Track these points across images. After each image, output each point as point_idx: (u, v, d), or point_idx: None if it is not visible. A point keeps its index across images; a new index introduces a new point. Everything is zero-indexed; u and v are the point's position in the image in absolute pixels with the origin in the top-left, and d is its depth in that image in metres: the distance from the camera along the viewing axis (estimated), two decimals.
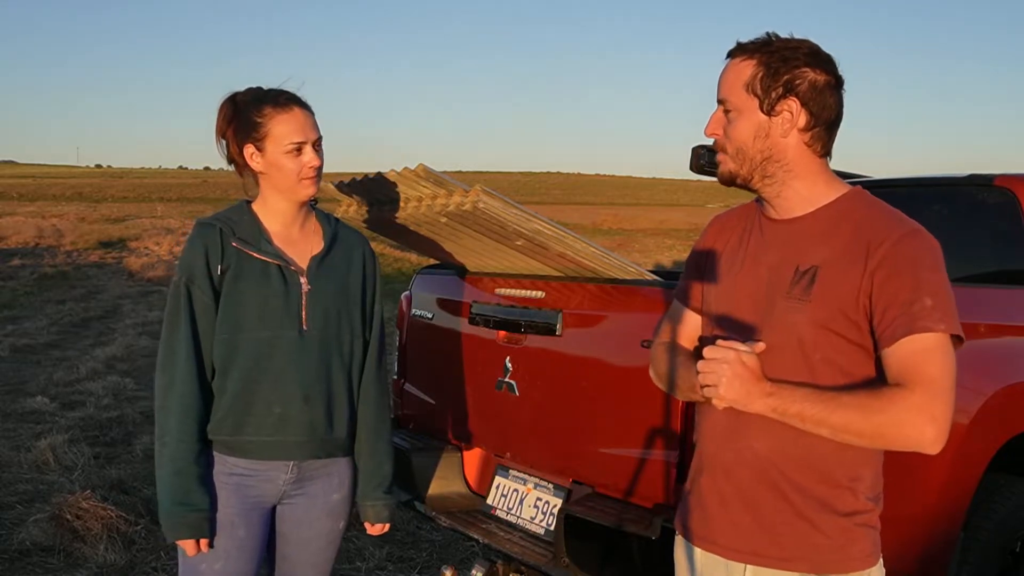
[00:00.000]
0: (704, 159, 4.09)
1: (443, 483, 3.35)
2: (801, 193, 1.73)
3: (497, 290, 3.14)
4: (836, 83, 1.70)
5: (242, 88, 2.27)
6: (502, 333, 3.05)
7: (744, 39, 1.72)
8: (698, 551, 1.82)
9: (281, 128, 2.20)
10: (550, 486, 2.96)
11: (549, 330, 2.85)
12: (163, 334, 2.24)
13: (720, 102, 1.75)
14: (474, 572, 3.19)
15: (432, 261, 3.64)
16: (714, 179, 4.83)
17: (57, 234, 26.52)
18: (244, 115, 2.22)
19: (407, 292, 3.74)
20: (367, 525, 2.48)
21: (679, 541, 1.90)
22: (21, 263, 20.21)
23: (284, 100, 2.23)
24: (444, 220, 2.73)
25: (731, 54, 1.74)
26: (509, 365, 3.00)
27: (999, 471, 2.72)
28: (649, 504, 2.52)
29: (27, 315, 12.70)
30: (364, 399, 2.41)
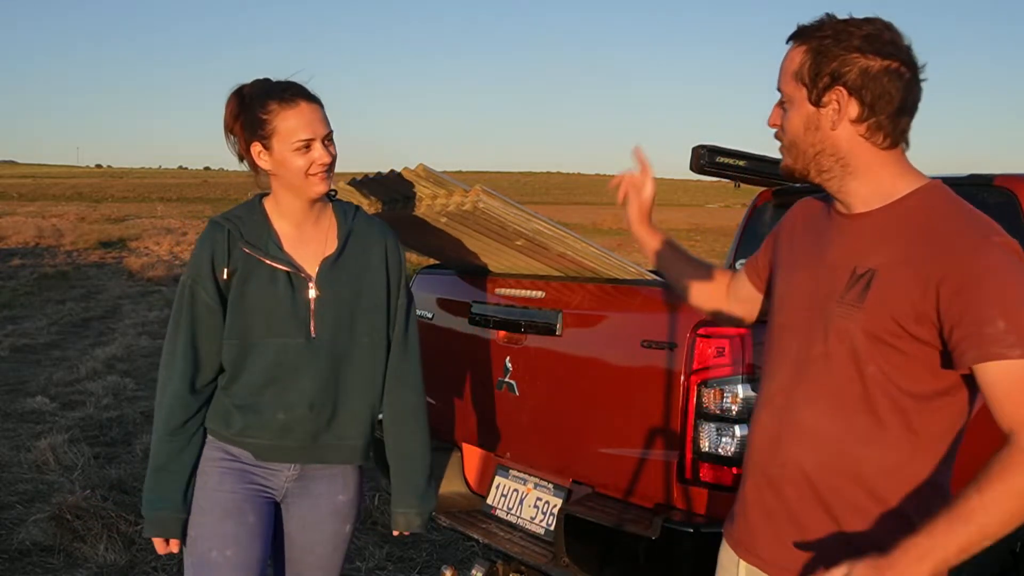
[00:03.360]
0: (704, 159, 4.09)
1: (443, 483, 3.35)
2: (864, 189, 1.59)
3: (497, 290, 3.14)
4: (900, 68, 1.53)
5: (249, 80, 2.20)
6: (502, 333, 3.05)
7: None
8: (743, 564, 1.72)
9: (288, 124, 2.11)
10: (550, 486, 2.96)
11: (549, 330, 2.85)
12: (168, 332, 2.23)
13: (778, 92, 1.64)
14: (474, 572, 3.19)
15: (432, 261, 3.64)
16: (714, 179, 4.85)
17: (57, 234, 26.52)
18: (250, 112, 2.14)
19: None
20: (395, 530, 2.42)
21: (725, 546, 1.82)
22: (21, 263, 20.20)
23: (289, 95, 2.12)
24: (444, 220, 2.73)
25: (788, 40, 1.62)
26: (509, 365, 3.00)
27: None
28: (649, 504, 2.52)
29: (27, 315, 12.70)
30: (391, 401, 2.32)
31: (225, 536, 2.17)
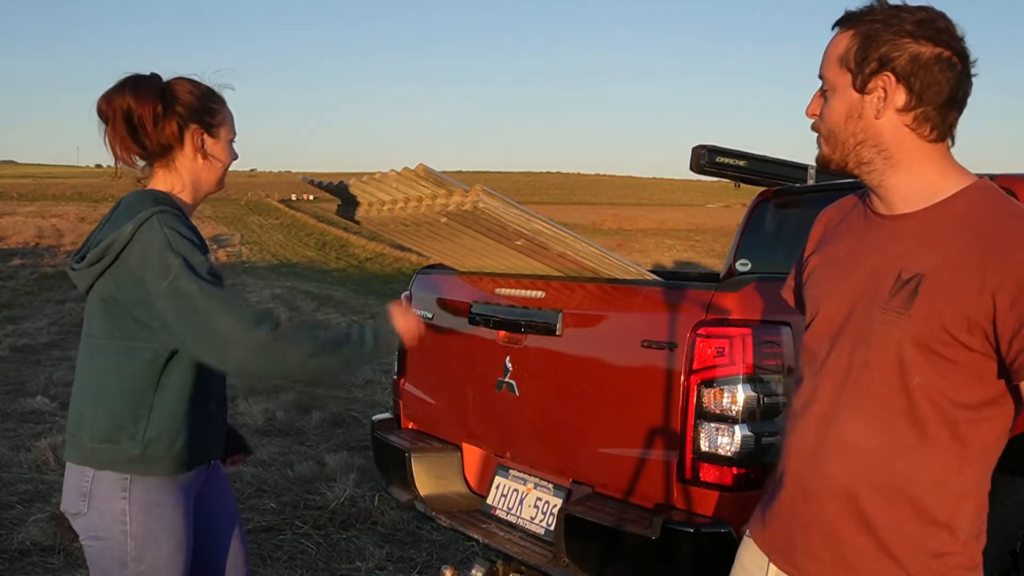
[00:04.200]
0: (704, 159, 4.09)
1: (443, 483, 3.35)
2: (906, 185, 1.51)
3: (497, 290, 3.14)
4: (952, 58, 1.46)
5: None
6: (502, 333, 3.05)
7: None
8: (773, 568, 1.66)
9: (229, 119, 2.21)
10: (550, 486, 2.96)
11: (549, 330, 2.85)
12: (213, 307, 1.97)
13: (820, 79, 1.57)
14: (474, 572, 3.19)
15: (432, 261, 3.64)
16: (714, 179, 4.85)
17: (57, 234, 26.53)
18: (198, 100, 2.13)
19: (407, 292, 3.74)
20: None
21: (749, 544, 1.74)
22: (21, 263, 20.21)
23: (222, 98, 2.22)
24: (444, 220, 2.73)
25: (835, 25, 1.54)
26: (509, 365, 3.00)
27: (999, 471, 2.72)
28: (649, 504, 2.52)
29: (27, 315, 12.71)
30: None
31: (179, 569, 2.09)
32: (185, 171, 2.14)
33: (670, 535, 2.36)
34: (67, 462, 2.10)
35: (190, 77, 2.15)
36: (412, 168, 2.60)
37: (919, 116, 1.47)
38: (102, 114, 2.09)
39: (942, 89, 1.46)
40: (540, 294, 2.94)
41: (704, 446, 2.37)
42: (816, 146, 1.60)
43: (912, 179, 1.51)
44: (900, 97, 1.47)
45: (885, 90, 1.47)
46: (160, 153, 2.11)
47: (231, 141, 2.21)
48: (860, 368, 1.50)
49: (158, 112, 2.07)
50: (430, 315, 3.52)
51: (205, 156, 2.15)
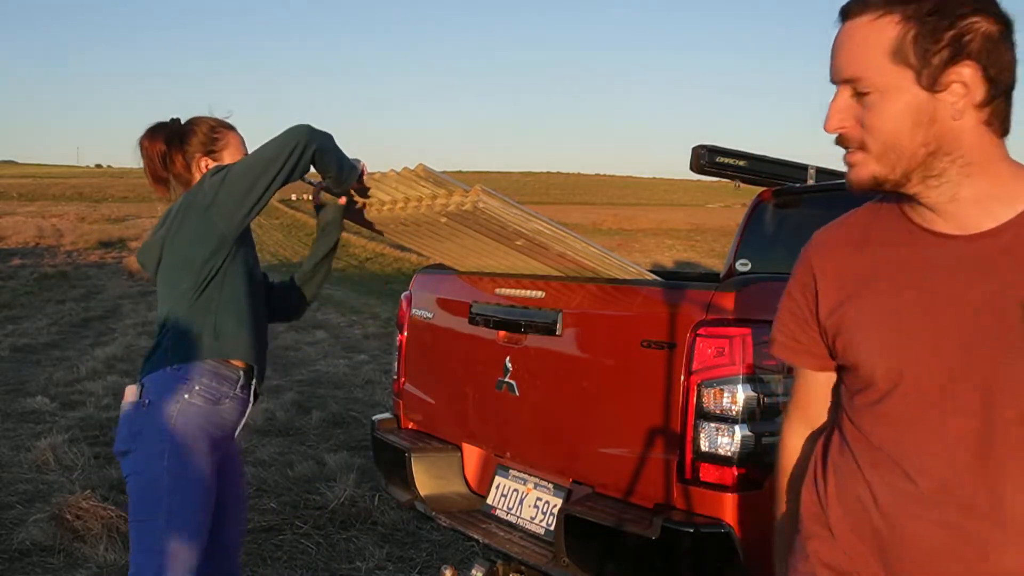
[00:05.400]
0: (704, 159, 4.09)
1: (443, 483, 3.35)
2: (987, 194, 1.23)
3: (497, 290, 3.14)
4: (1012, 33, 1.21)
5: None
6: (502, 333, 3.05)
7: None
8: None
9: (237, 141, 2.72)
10: (550, 486, 2.96)
11: (549, 330, 2.85)
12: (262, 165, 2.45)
13: (845, 82, 1.25)
14: (474, 572, 3.19)
15: (432, 261, 3.64)
16: (714, 179, 4.84)
17: (57, 234, 26.54)
18: (199, 133, 2.66)
19: (407, 292, 3.74)
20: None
21: None
22: (21, 263, 20.21)
23: (229, 124, 2.75)
24: (444, 220, 2.73)
25: (851, 11, 1.24)
26: (509, 365, 3.00)
27: None
28: (649, 504, 2.52)
29: (27, 315, 12.71)
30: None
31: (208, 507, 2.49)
32: None
33: (670, 535, 2.36)
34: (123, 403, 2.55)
35: (202, 116, 2.69)
36: (412, 168, 2.61)
37: (994, 109, 1.21)
38: (141, 152, 2.67)
39: (1012, 71, 1.21)
40: (540, 294, 2.94)
41: (704, 446, 2.37)
42: (846, 165, 1.29)
43: (991, 186, 1.23)
44: (981, 90, 1.19)
45: (966, 83, 1.19)
46: (179, 180, 2.67)
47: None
48: (1008, 427, 1.20)
49: (163, 152, 2.63)
50: (430, 315, 3.52)
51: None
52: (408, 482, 3.36)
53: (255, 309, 2.61)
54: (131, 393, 2.51)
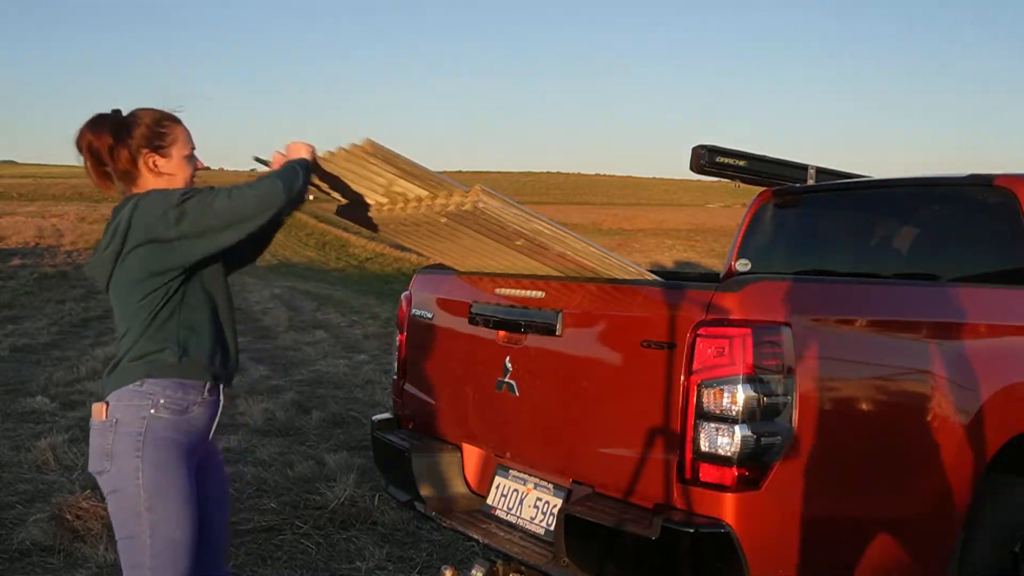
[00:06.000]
0: (704, 159, 4.09)
1: (443, 483, 3.35)
2: None
3: (497, 290, 3.14)
4: None
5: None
6: (502, 333, 3.05)
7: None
8: None
9: (184, 136, 2.57)
10: (550, 486, 2.96)
11: (549, 330, 2.85)
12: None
13: None
14: (474, 572, 3.19)
15: (432, 261, 3.64)
16: (714, 179, 4.85)
17: (57, 234, 26.54)
18: (144, 127, 2.51)
19: (407, 292, 3.74)
20: None
21: None
22: (21, 263, 20.21)
23: (176, 117, 2.59)
24: (444, 220, 2.73)
25: None
26: (509, 365, 3.00)
27: (999, 471, 2.72)
28: (649, 504, 2.52)
29: (27, 315, 12.70)
30: None
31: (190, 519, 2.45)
32: (148, 187, 2.50)
33: (670, 535, 2.36)
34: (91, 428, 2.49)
35: (146, 107, 2.55)
36: (359, 143, 2.51)
37: None
38: (77, 148, 2.51)
39: None
40: (540, 294, 2.94)
41: (704, 446, 2.37)
42: None
43: None
44: None
45: None
46: (124, 177, 2.52)
47: (187, 155, 2.56)
48: None
49: (110, 145, 2.47)
50: (430, 315, 3.53)
51: (159, 174, 2.51)
52: (408, 482, 3.36)
53: (218, 318, 2.55)
54: (98, 412, 2.46)
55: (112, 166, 2.49)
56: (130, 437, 2.39)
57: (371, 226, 3.11)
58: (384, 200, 2.86)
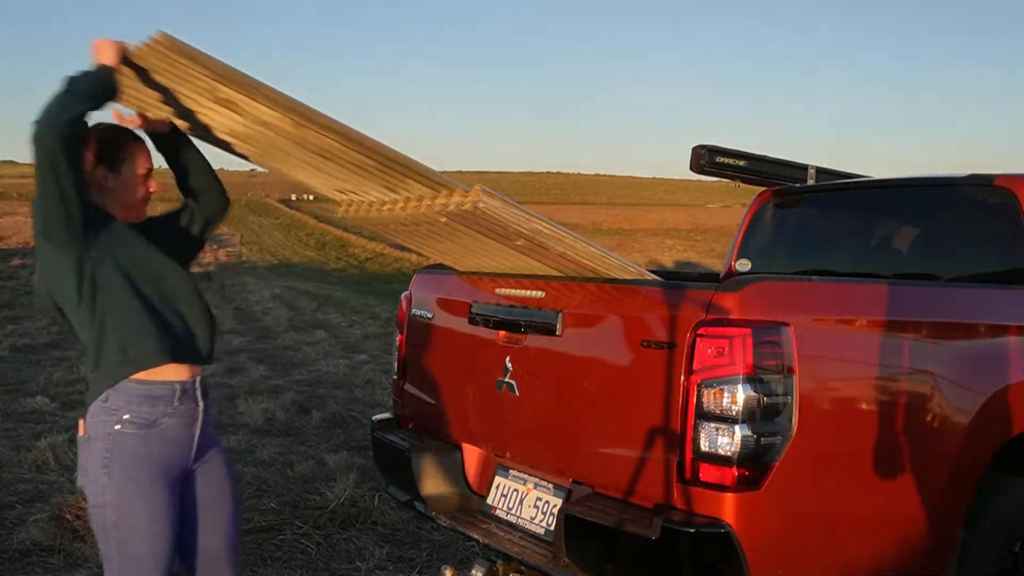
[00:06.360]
0: (704, 159, 4.09)
1: (443, 483, 3.35)
2: None
3: (497, 290, 3.14)
4: None
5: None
6: (502, 333, 3.05)
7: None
8: None
9: (138, 154, 2.52)
10: (550, 486, 2.96)
11: (549, 330, 2.85)
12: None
13: None
14: (474, 572, 3.19)
15: (432, 261, 3.64)
16: (714, 179, 4.86)
17: None
18: (102, 143, 2.46)
19: (407, 292, 3.74)
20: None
21: None
22: (21, 263, 20.21)
23: (135, 136, 2.53)
24: (444, 220, 2.73)
25: None
26: (509, 365, 3.00)
27: (999, 471, 2.72)
28: (649, 504, 2.52)
29: (27, 315, 12.71)
30: None
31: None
32: (101, 198, 2.46)
33: (670, 535, 2.36)
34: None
35: (108, 124, 2.50)
36: (152, 37, 2.21)
37: None
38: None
39: None
40: (540, 294, 2.94)
41: (704, 446, 2.37)
42: None
43: None
44: None
45: None
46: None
47: (141, 175, 2.51)
48: None
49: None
50: (430, 315, 3.53)
51: (106, 190, 2.47)
52: (408, 482, 3.36)
53: (152, 301, 2.42)
54: (80, 427, 2.46)
55: None
56: (98, 454, 2.38)
57: (230, 150, 2.83)
58: (386, 199, 2.86)
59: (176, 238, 2.63)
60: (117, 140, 2.50)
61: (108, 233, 2.40)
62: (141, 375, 2.38)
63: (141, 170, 2.52)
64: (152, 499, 2.38)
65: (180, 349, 2.44)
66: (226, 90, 2.29)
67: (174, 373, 2.43)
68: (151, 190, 2.55)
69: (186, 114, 2.54)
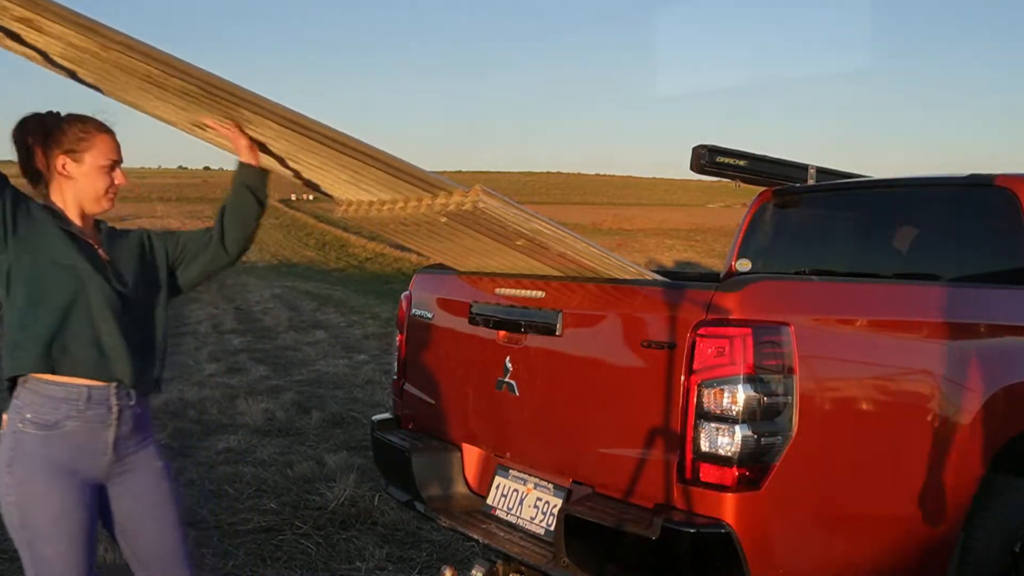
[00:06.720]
0: (704, 159, 4.09)
1: (443, 483, 3.35)
2: None
3: (497, 290, 3.14)
4: None
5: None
6: (502, 333, 3.05)
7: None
8: None
9: (102, 144, 2.47)
10: (550, 486, 2.96)
11: (549, 330, 2.85)
12: None
13: None
14: (474, 572, 3.19)
15: (432, 261, 3.64)
16: (714, 179, 4.85)
17: None
18: (61, 130, 2.44)
19: (407, 292, 3.74)
20: None
21: None
22: None
23: (100, 123, 2.49)
24: (444, 220, 2.73)
25: None
26: (509, 365, 3.00)
27: (999, 471, 2.72)
28: (649, 504, 2.52)
29: None
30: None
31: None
32: (63, 191, 2.46)
33: (670, 535, 2.36)
34: None
35: (75, 114, 2.48)
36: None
37: None
38: (11, 142, 2.48)
39: None
40: (540, 294, 2.94)
41: (704, 446, 2.37)
42: None
43: None
44: None
45: None
46: (34, 176, 2.48)
47: (103, 166, 2.46)
48: None
49: (29, 144, 2.45)
50: (430, 315, 3.53)
51: (67, 178, 2.45)
52: (408, 482, 3.36)
53: (54, 310, 2.34)
54: (3, 421, 2.41)
55: (30, 164, 2.46)
56: (5, 451, 2.35)
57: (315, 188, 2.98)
58: (386, 199, 2.86)
59: (157, 263, 2.58)
60: (80, 127, 2.45)
61: (36, 234, 2.36)
62: (47, 376, 2.34)
63: (104, 160, 2.45)
64: (52, 501, 2.32)
65: (74, 362, 2.36)
66: (18, 9, 2.10)
67: (83, 378, 2.37)
68: (116, 183, 2.49)
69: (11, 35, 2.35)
